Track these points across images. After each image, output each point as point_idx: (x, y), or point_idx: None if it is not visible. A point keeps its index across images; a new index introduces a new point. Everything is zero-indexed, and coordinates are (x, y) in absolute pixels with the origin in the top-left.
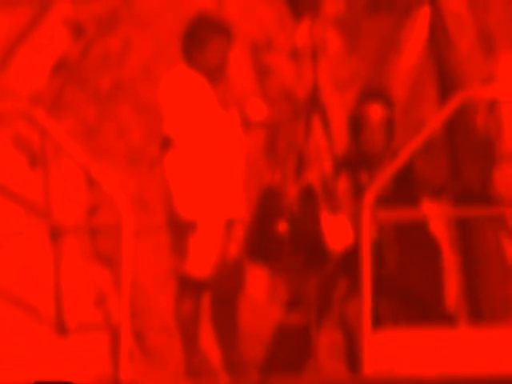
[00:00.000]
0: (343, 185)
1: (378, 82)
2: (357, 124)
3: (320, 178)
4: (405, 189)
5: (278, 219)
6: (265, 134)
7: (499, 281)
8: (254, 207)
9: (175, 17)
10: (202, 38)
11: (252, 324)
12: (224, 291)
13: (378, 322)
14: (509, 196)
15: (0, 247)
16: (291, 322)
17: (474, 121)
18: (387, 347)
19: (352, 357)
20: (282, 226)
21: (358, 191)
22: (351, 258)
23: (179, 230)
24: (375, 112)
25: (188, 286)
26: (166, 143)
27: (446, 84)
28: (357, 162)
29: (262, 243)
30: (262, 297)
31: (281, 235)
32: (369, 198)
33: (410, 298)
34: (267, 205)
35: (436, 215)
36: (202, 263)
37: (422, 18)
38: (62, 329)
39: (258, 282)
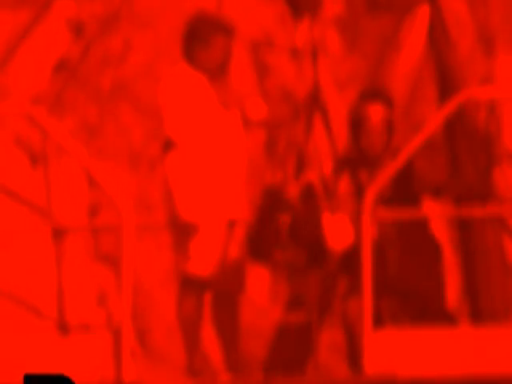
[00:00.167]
0: (344, 184)
1: (378, 82)
2: (357, 124)
3: (320, 178)
4: (405, 188)
5: (279, 216)
6: (265, 134)
7: (500, 280)
8: (255, 207)
9: (175, 16)
10: (204, 36)
11: (254, 323)
12: (225, 291)
13: (378, 321)
14: (509, 195)
15: (2, 247)
16: (293, 320)
17: (474, 120)
18: (388, 346)
19: (353, 356)
20: (283, 222)
21: (358, 191)
22: (352, 257)
23: (181, 231)
24: (375, 112)
25: (190, 286)
26: (167, 144)
27: (446, 84)
28: (357, 161)
29: (263, 241)
30: (263, 296)
31: (282, 231)
32: (369, 197)
33: (411, 298)
34: (268, 204)
35: (436, 215)
36: (204, 263)
37: (422, 17)
38: (64, 328)
39: (260, 281)
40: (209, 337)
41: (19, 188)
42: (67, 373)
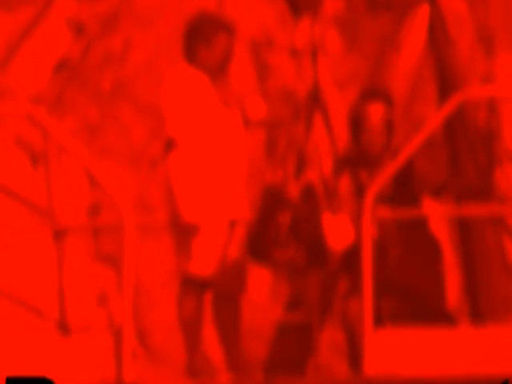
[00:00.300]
0: (344, 184)
1: (378, 81)
2: (357, 123)
3: (321, 177)
4: (405, 188)
5: (279, 216)
6: (265, 133)
7: (500, 280)
8: (255, 206)
9: (176, 16)
10: (206, 35)
11: (254, 323)
12: (226, 291)
13: (379, 321)
14: (509, 195)
15: (3, 247)
16: (293, 320)
17: (474, 120)
18: (388, 346)
19: (353, 356)
20: (283, 222)
21: (358, 190)
22: (352, 256)
23: (182, 231)
24: (376, 111)
25: (190, 286)
26: (168, 144)
27: (446, 83)
28: (357, 160)
29: (263, 241)
30: (263, 296)
31: (282, 231)
32: (369, 197)
33: (411, 297)
34: (268, 204)
35: (437, 214)
36: (204, 263)
37: (422, 16)
38: (64, 329)
39: (260, 281)
40: (209, 337)
41: (20, 188)
42: (68, 373)
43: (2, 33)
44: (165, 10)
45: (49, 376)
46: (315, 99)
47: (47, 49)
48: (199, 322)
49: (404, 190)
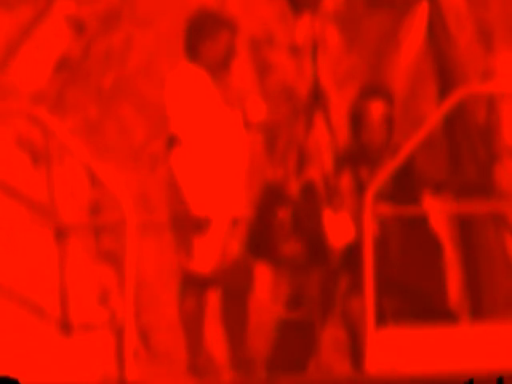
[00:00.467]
0: (345, 181)
1: (378, 78)
2: (357, 120)
3: (321, 175)
4: (406, 185)
5: (280, 213)
6: (266, 131)
7: (501, 276)
8: (255, 204)
9: (177, 14)
10: (209, 31)
11: (255, 321)
12: (234, 289)
13: (380, 319)
14: (510, 191)
15: (4, 246)
16: (294, 319)
17: (473, 116)
18: (390, 344)
19: (355, 353)
20: (284, 220)
21: (358, 187)
22: (353, 254)
23: (190, 227)
24: (376, 108)
25: (191, 283)
26: (171, 141)
27: (446, 79)
28: (358, 158)
29: (264, 239)
30: (264, 294)
31: (282, 229)
32: (370, 194)
33: (412, 295)
34: (269, 201)
35: (437, 211)
36: (205, 260)
37: (421, 13)
38: (66, 327)
39: (261, 279)
40: (212, 335)
41: (21, 187)
42: (70, 372)
43: (2, 32)
44: (165, 8)
45: (51, 375)
46: (315, 97)
47: (47, 47)
48: (200, 319)
49: (404, 187)
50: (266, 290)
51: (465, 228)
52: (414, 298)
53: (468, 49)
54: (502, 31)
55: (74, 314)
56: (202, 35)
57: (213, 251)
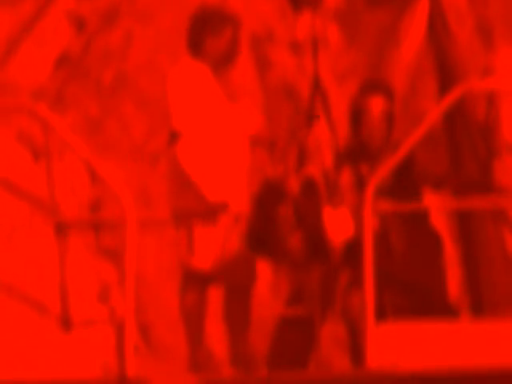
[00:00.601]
0: (345, 177)
1: (378, 74)
2: (358, 116)
3: (321, 171)
4: (406, 181)
5: (280, 210)
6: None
7: (500, 272)
8: (256, 200)
9: (177, 10)
10: (213, 26)
11: (255, 318)
12: (236, 285)
13: (380, 314)
14: (509, 186)
15: (5, 242)
16: (294, 315)
17: (473, 112)
18: (390, 340)
19: (355, 349)
20: (284, 216)
21: (359, 183)
22: (354, 250)
23: (204, 214)
24: (376, 104)
25: (192, 279)
26: (173, 137)
27: (446, 76)
28: (358, 154)
29: (264, 235)
30: (264, 290)
31: (282, 225)
32: (370, 190)
33: (412, 291)
34: (269, 197)
35: (437, 207)
36: (205, 256)
37: (422, 9)
38: (66, 323)
39: (262, 276)
40: (212, 331)
41: (22, 183)
42: (70, 368)
43: (3, 28)
44: (165, 4)
45: (51, 370)
46: (316, 92)
47: (48, 44)
48: (201, 315)
49: (404, 183)
50: (267, 287)
51: (464, 223)
52: (414, 294)
53: (468, 45)
54: (502, 28)
55: (75, 310)
56: (206, 31)
57: (213, 247)
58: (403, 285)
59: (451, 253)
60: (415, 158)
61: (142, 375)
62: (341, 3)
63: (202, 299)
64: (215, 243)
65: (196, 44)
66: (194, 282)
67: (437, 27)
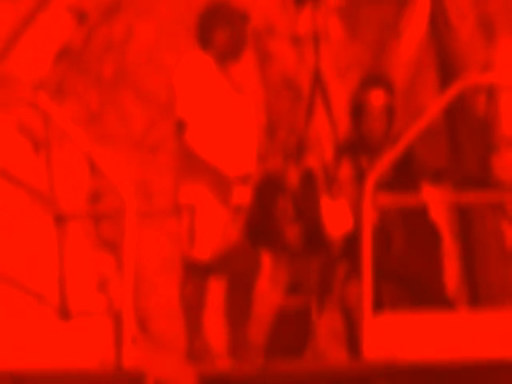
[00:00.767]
0: (345, 170)
1: (379, 68)
2: (358, 110)
3: (321, 163)
4: (405, 174)
5: (279, 201)
6: (266, 119)
7: (498, 265)
8: (255, 191)
9: (177, 5)
10: (222, 21)
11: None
12: (239, 276)
13: (378, 306)
14: (508, 181)
15: (5, 232)
16: (292, 305)
17: (473, 107)
18: (387, 331)
19: (352, 340)
20: (283, 208)
21: (359, 176)
22: (352, 242)
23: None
24: (377, 98)
25: (192, 269)
26: (179, 126)
27: (447, 70)
28: (358, 147)
29: (263, 227)
30: (263, 281)
31: (281, 217)
32: (370, 183)
33: (410, 283)
34: (268, 189)
35: (436, 200)
36: (205, 246)
37: (423, 4)
38: (65, 314)
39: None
40: (211, 322)
41: (22, 174)
42: (68, 358)
43: (4, 21)
44: None
45: (49, 359)
46: (316, 86)
47: (49, 36)
48: (200, 306)
49: (404, 176)
50: (265, 278)
51: (463, 217)
52: (412, 286)
53: (469, 40)
54: (502, 23)
55: (73, 300)
56: (215, 24)
57: (212, 238)
58: (401, 277)
59: (450, 246)
60: (415, 152)
61: (139, 365)
62: None
63: (201, 290)
64: (215, 234)
65: (205, 37)
66: (195, 272)
67: (438, 22)
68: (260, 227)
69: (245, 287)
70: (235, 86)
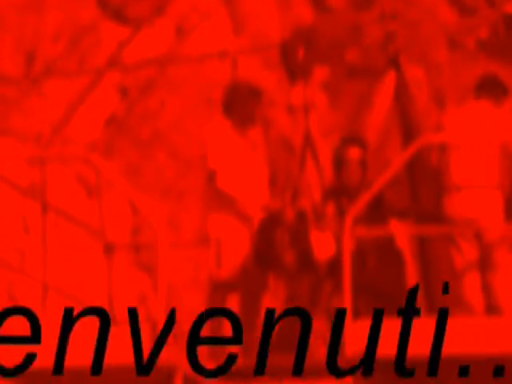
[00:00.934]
0: (330, 209)
1: (355, 130)
2: (339, 163)
3: (311, 204)
4: (377, 212)
5: (278, 233)
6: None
7: (448, 281)
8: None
9: (199, 83)
10: (241, 97)
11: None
12: (250, 292)
13: (356, 313)
14: (457, 218)
15: (65, 261)
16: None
17: (428, 159)
18: (364, 333)
19: (335, 341)
20: (282, 238)
21: (340, 214)
22: (336, 264)
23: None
24: (353, 153)
25: (216, 287)
26: (211, 175)
27: (408, 131)
28: (340, 191)
29: (266, 253)
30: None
31: (280, 245)
32: (349, 219)
33: (381, 295)
34: (270, 224)
35: (401, 232)
36: (227, 269)
37: (389, 80)
38: (113, 321)
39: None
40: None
41: (78, 214)
42: (115, 356)
43: (63, 94)
44: (190, 79)
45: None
46: (307, 145)
47: (99, 107)
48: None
49: (376, 213)
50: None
51: (422, 245)
52: (382, 298)
53: (425, 108)
54: (451, 93)
55: (119, 311)
56: (236, 98)
57: (233, 262)
58: (374, 291)
59: (411, 268)
60: (384, 195)
61: (170, 362)
62: (327, 75)
63: (223, 302)
64: (239, 256)
65: (228, 107)
66: (217, 289)
67: (401, 94)
68: (263, 254)
69: (255, 301)
70: (250, 145)
